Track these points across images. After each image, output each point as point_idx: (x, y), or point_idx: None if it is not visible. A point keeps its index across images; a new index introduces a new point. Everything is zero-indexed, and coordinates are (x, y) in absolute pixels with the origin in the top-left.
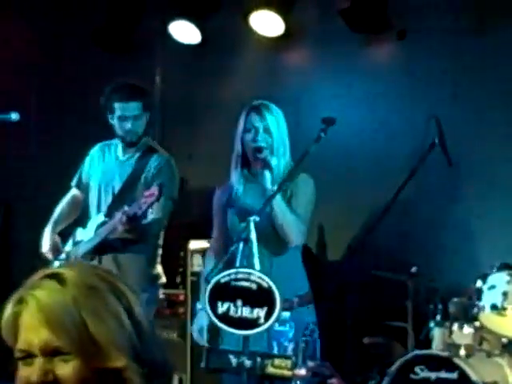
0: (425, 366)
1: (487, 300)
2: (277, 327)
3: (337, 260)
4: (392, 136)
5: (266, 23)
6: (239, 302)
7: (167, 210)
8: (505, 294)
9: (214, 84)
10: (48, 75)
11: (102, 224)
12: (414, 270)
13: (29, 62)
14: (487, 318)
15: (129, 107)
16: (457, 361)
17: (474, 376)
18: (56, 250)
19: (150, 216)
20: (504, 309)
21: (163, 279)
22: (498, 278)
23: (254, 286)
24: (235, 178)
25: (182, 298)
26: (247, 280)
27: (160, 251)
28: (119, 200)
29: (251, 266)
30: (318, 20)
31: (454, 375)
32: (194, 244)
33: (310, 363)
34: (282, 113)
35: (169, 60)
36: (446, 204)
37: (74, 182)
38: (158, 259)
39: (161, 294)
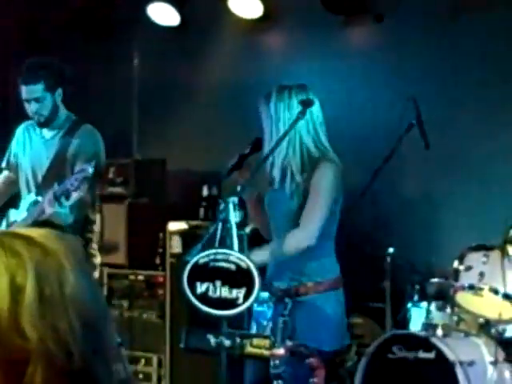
0: (402, 345)
1: (464, 280)
2: (256, 307)
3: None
4: (369, 118)
5: (245, 5)
6: (218, 283)
7: (93, 183)
8: (481, 275)
9: (193, 66)
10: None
11: (34, 203)
12: (391, 251)
13: (6, 49)
14: (464, 299)
15: (29, 90)
16: (434, 341)
17: (451, 355)
18: None
19: (75, 194)
20: (480, 289)
21: (98, 259)
22: (475, 259)
23: (232, 267)
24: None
25: (161, 279)
26: (226, 261)
27: (95, 228)
28: (48, 179)
29: (230, 247)
30: (297, 2)
31: (432, 355)
32: (173, 225)
33: (289, 343)
34: (287, 100)
35: (147, 42)
36: (423, 185)
37: (3, 165)
38: (93, 237)
39: (137, 278)
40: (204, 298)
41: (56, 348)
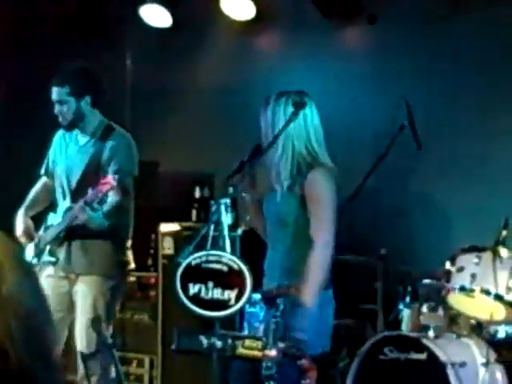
0: (394, 347)
1: (456, 282)
2: (247, 309)
3: None
4: (362, 119)
5: (237, 7)
6: (210, 284)
7: (128, 187)
8: (473, 276)
9: (185, 68)
10: (21, 62)
11: (68, 209)
12: (383, 252)
13: (0, 49)
14: (456, 300)
15: (54, 92)
16: (425, 342)
17: (442, 357)
18: (28, 234)
19: (110, 199)
20: (472, 290)
21: (131, 265)
22: (467, 260)
23: (224, 268)
24: None
25: (153, 280)
26: (218, 262)
27: (129, 234)
28: (82, 185)
29: (222, 249)
30: (289, 4)
31: (423, 356)
32: (165, 227)
33: (281, 344)
34: (280, 105)
35: (140, 44)
36: (416, 186)
37: (42, 171)
38: (127, 244)
39: (129, 279)
40: (196, 299)
41: None
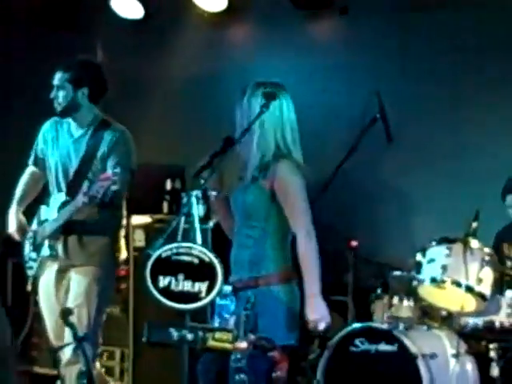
0: (365, 338)
1: (426, 273)
2: (218, 301)
3: None
4: (334, 111)
5: None
6: (181, 276)
7: (126, 182)
8: (444, 268)
9: (157, 59)
10: None
11: (65, 203)
12: (354, 243)
13: None
14: (427, 291)
15: (56, 76)
16: (396, 333)
17: (413, 348)
18: (22, 230)
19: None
20: (443, 282)
21: (123, 255)
22: (438, 252)
23: (195, 261)
24: None
25: (124, 273)
26: (189, 254)
27: (123, 223)
28: (78, 178)
29: (193, 241)
30: None
31: (394, 347)
32: (136, 219)
33: (251, 336)
34: (251, 98)
35: (111, 35)
36: (386, 178)
37: (30, 161)
38: (121, 236)
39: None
40: (167, 291)
41: None
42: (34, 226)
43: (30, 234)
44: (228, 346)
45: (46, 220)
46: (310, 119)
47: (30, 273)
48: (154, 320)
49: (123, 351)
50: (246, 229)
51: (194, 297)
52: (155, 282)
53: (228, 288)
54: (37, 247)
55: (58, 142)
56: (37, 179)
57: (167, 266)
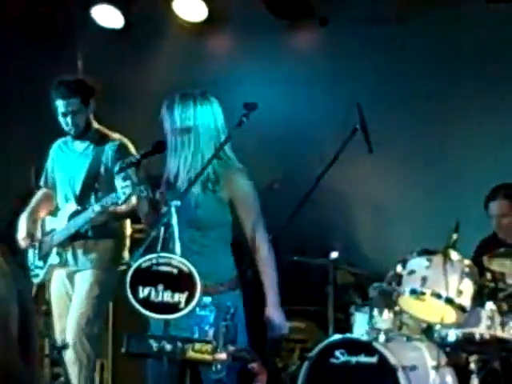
0: (345, 350)
1: (407, 285)
2: (197, 312)
3: None
4: (314, 122)
5: (190, 8)
6: (160, 287)
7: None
8: (424, 279)
9: (137, 68)
10: None
11: (75, 213)
12: (334, 255)
13: None
14: (407, 303)
15: (67, 104)
16: (376, 345)
17: (393, 360)
18: (31, 238)
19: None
20: (423, 293)
21: (127, 254)
22: (418, 263)
23: (175, 271)
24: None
25: None
26: (168, 265)
27: (128, 232)
28: (85, 189)
29: (172, 251)
30: (241, 5)
31: (374, 359)
32: None
33: (231, 347)
34: (207, 105)
35: (91, 45)
36: (367, 190)
37: (41, 183)
38: (127, 240)
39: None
40: (146, 302)
41: None
42: (39, 236)
43: (37, 244)
44: (207, 357)
45: (53, 230)
46: (290, 129)
47: (36, 280)
48: (134, 331)
49: (102, 362)
50: (201, 238)
51: (173, 307)
52: (135, 292)
53: (208, 299)
54: (44, 256)
55: (65, 160)
56: (48, 198)
57: (147, 277)
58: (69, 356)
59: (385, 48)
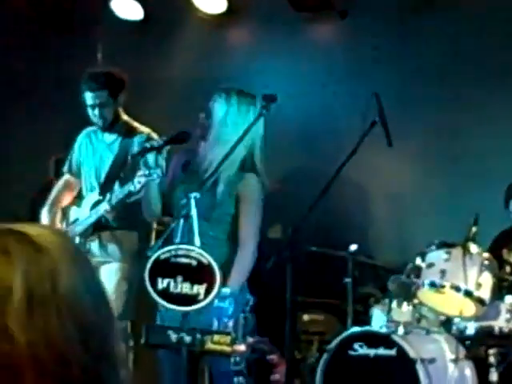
0: (364, 342)
1: (426, 278)
2: (216, 303)
3: (277, 238)
4: (333, 114)
5: (209, 0)
6: (179, 278)
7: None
8: (443, 272)
9: (157, 61)
10: None
11: (97, 202)
12: (353, 247)
13: None
14: (426, 296)
15: (95, 96)
16: (395, 338)
17: (412, 353)
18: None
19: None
20: (442, 286)
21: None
22: (437, 256)
23: (194, 263)
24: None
25: None
26: (187, 256)
27: (154, 225)
28: (110, 179)
29: (191, 243)
30: None
31: (393, 352)
32: None
33: (250, 339)
34: (241, 107)
35: (111, 37)
36: (386, 182)
37: (65, 168)
38: (152, 234)
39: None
40: (165, 293)
41: (48, 352)
42: (63, 226)
43: None
44: (226, 348)
45: (77, 220)
46: (310, 122)
47: None
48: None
49: None
50: (210, 231)
51: (192, 299)
52: (154, 283)
53: (227, 290)
54: None
55: (93, 150)
56: (70, 185)
57: (166, 268)
58: None
59: (406, 41)
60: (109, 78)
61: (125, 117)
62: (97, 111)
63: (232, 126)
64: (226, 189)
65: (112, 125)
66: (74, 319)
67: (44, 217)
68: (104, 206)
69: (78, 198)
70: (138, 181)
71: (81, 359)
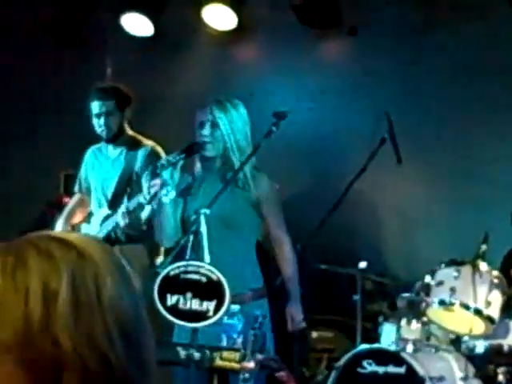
0: (373, 360)
1: (435, 295)
2: (226, 320)
3: None
4: (342, 131)
5: (219, 17)
6: (189, 295)
7: None
8: (452, 290)
9: (166, 77)
10: None
11: (107, 217)
12: (362, 264)
13: None
14: (435, 314)
15: (101, 104)
16: (404, 355)
17: (421, 371)
18: None
19: (148, 207)
20: (452, 304)
21: (160, 259)
22: (446, 274)
23: (203, 279)
24: (196, 168)
25: None
26: (197, 273)
27: None
28: (118, 194)
29: (201, 259)
30: (271, 14)
31: (402, 370)
32: None
33: (259, 356)
34: (241, 112)
35: (121, 52)
36: (396, 200)
37: (76, 188)
38: (161, 249)
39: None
40: (175, 310)
41: (92, 356)
42: None
43: None
44: (235, 365)
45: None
46: (318, 139)
47: None
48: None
49: None
50: (224, 239)
51: (201, 315)
52: (163, 300)
53: (236, 307)
54: None
55: (99, 166)
56: (83, 203)
57: (175, 284)
58: None
59: (414, 58)
60: (116, 91)
61: (130, 132)
62: (102, 120)
63: (238, 132)
64: (238, 192)
65: (116, 137)
66: (117, 325)
67: (59, 227)
68: (114, 219)
69: (88, 215)
70: (148, 191)
71: (123, 364)
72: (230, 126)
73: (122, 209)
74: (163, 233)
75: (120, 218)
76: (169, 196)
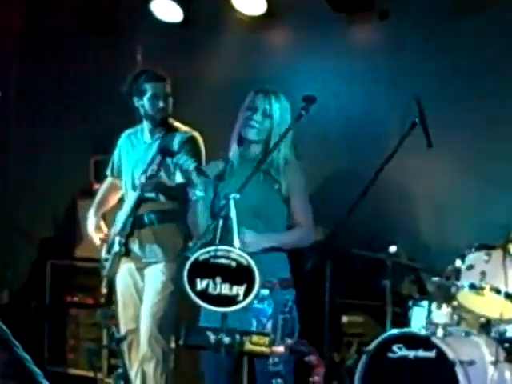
0: (403, 344)
1: (465, 279)
2: (255, 304)
3: (318, 240)
4: (372, 116)
5: (249, 2)
6: (218, 279)
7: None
8: (483, 274)
9: (196, 63)
10: (29, 58)
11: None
12: (393, 249)
13: (8, 46)
14: (465, 298)
15: (160, 86)
16: (434, 340)
17: (451, 355)
18: (99, 229)
19: (178, 180)
20: (482, 288)
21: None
22: (477, 258)
23: (233, 264)
24: (232, 153)
25: None
26: (226, 257)
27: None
28: (150, 176)
29: (230, 244)
30: None
31: (432, 354)
32: None
33: (289, 340)
34: (289, 105)
35: (150, 39)
36: (426, 184)
37: (108, 172)
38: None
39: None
40: (204, 294)
41: None
42: (112, 232)
43: (102, 236)
44: (265, 349)
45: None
46: (350, 122)
47: (102, 273)
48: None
49: None
50: (252, 229)
51: (231, 300)
52: (193, 284)
53: (266, 291)
54: (109, 247)
55: (133, 151)
56: (115, 186)
57: (205, 269)
58: (144, 353)
59: (447, 42)
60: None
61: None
62: (161, 101)
63: (285, 126)
64: (269, 180)
65: (165, 121)
66: None
67: (90, 219)
68: (137, 190)
69: (120, 200)
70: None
71: None
72: (282, 120)
73: (142, 178)
74: (195, 226)
75: (139, 189)
76: (198, 195)
